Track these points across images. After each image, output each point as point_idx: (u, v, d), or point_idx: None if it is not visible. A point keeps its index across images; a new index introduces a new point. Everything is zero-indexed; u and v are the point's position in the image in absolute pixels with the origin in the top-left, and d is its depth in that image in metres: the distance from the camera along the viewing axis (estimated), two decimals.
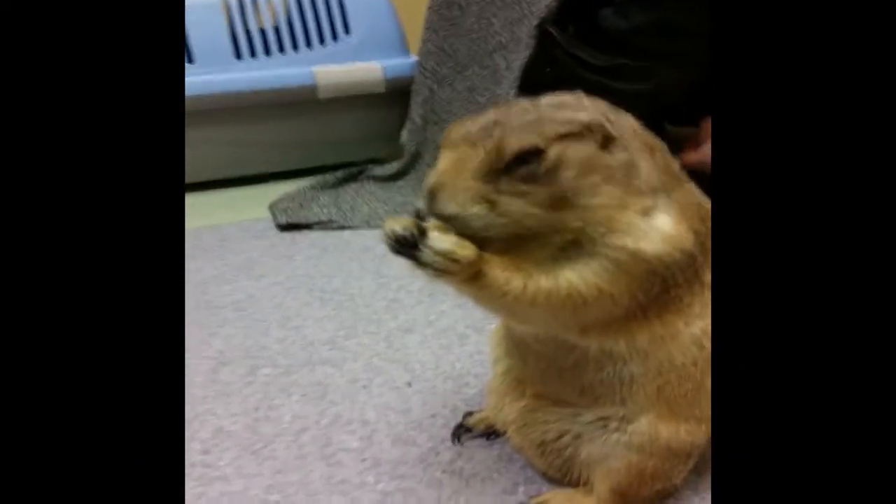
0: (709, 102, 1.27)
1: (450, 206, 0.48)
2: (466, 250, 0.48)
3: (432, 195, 0.49)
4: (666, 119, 1.58)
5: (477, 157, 0.48)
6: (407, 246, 0.49)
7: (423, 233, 0.49)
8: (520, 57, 1.37)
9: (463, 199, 0.48)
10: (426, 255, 0.48)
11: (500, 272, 0.50)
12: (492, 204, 0.48)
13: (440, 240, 0.48)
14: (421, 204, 0.50)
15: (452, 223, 0.49)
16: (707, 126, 1.27)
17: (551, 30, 1.28)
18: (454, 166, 0.49)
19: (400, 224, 0.49)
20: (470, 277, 0.50)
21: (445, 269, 0.48)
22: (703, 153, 1.25)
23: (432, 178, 0.50)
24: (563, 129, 0.49)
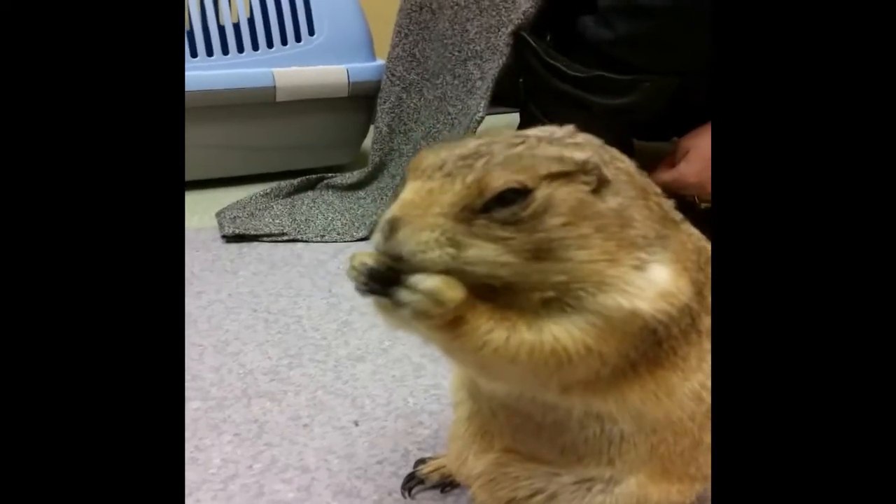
0: (683, 119, 1.22)
1: (408, 244, 0.40)
2: (455, 291, 0.40)
3: (391, 229, 0.40)
4: (634, 134, 1.53)
5: (452, 192, 0.41)
6: (381, 283, 0.41)
7: (398, 269, 0.41)
8: (494, 66, 1.29)
9: (426, 239, 0.40)
10: (407, 293, 0.40)
11: (483, 320, 0.42)
12: (458, 248, 0.40)
13: (424, 276, 0.40)
14: (374, 238, 0.42)
15: (404, 265, 0.40)
16: (683, 145, 1.22)
17: (527, 37, 1.21)
18: (423, 199, 0.41)
19: (372, 258, 0.42)
20: (447, 323, 0.41)
21: (427, 310, 0.40)
22: (679, 173, 1.19)
23: (394, 209, 0.41)
24: (555, 168, 0.41)
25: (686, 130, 1.23)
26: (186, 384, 0.82)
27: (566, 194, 0.41)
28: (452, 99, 1.43)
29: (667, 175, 1.21)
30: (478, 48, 1.35)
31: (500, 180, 0.40)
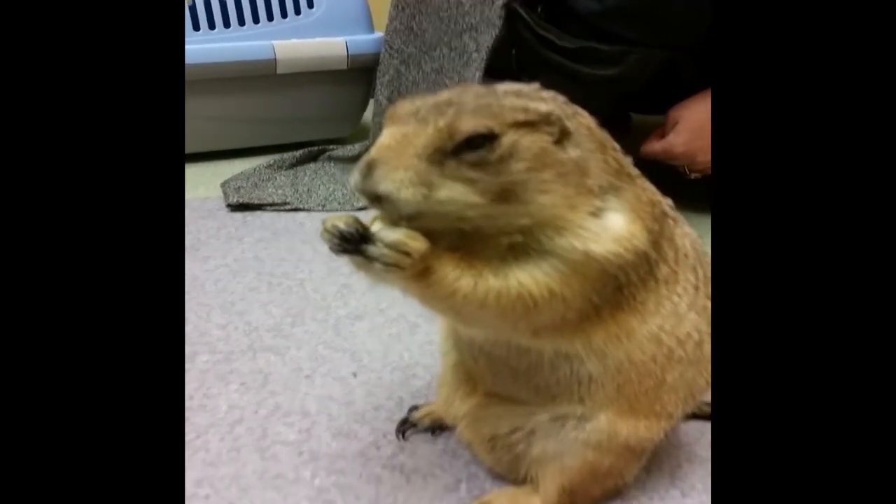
0: (674, 91, 1.25)
1: (384, 184, 0.43)
2: (417, 242, 0.45)
3: (368, 170, 0.44)
4: (630, 107, 1.56)
5: (424, 135, 0.44)
6: (352, 242, 0.45)
7: (366, 228, 0.46)
8: (488, 38, 1.32)
9: (400, 179, 0.43)
10: (375, 248, 0.45)
11: (450, 269, 0.46)
12: (430, 188, 0.44)
13: (389, 231, 0.45)
14: (352, 179, 0.45)
15: (382, 204, 0.44)
16: (672, 116, 1.25)
17: (519, 9, 1.24)
18: (398, 142, 0.44)
19: (342, 221, 0.46)
20: (418, 273, 0.46)
21: (396, 262, 0.44)
22: (668, 143, 1.22)
23: (372, 152, 0.45)
24: (520, 117, 0.45)
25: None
26: (195, 340, 0.87)
27: (530, 142, 0.45)
28: (449, 71, 1.46)
29: (657, 146, 1.25)
30: (473, 21, 1.38)
31: (470, 124, 0.44)
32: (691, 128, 1.21)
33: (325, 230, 0.46)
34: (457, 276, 0.46)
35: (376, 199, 0.44)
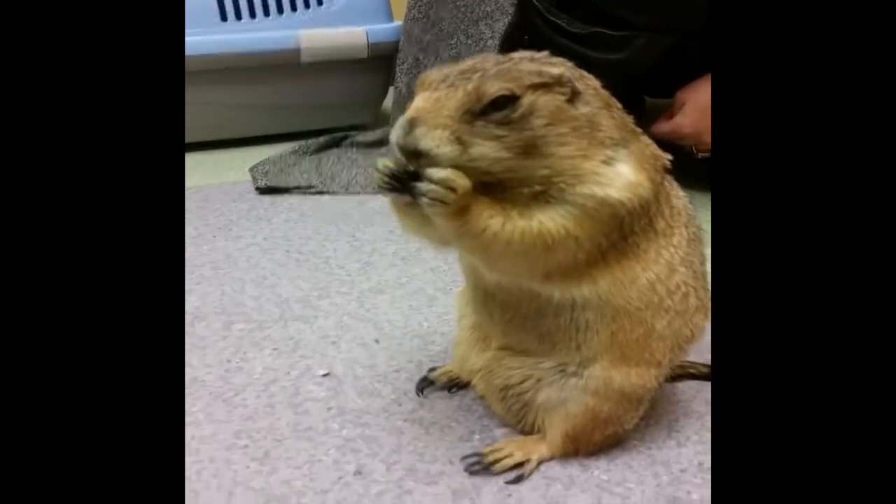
0: (682, 74, 1.29)
1: (424, 141, 0.50)
2: (462, 179, 0.50)
3: (409, 127, 0.50)
4: (642, 91, 1.59)
5: (455, 98, 0.50)
6: (400, 181, 0.51)
7: (412, 169, 0.51)
8: (502, 25, 1.38)
9: (439, 136, 0.49)
10: (423, 184, 0.50)
11: (485, 208, 0.52)
12: (464, 145, 0.50)
13: (437, 169, 0.50)
14: (393, 135, 0.51)
15: (420, 160, 0.50)
16: (679, 98, 1.30)
17: None
18: (433, 105, 0.50)
19: (393, 161, 0.52)
20: (458, 211, 0.51)
21: (442, 197, 0.50)
22: (676, 124, 1.27)
23: (410, 111, 0.51)
24: (536, 80, 0.51)
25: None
26: (231, 310, 0.95)
27: (547, 101, 0.51)
28: (466, 57, 1.51)
29: (665, 126, 1.29)
30: (488, 9, 1.43)
31: (495, 87, 0.50)
32: (698, 108, 1.25)
33: (377, 170, 0.52)
34: (490, 215, 0.52)
35: (415, 155, 0.50)
